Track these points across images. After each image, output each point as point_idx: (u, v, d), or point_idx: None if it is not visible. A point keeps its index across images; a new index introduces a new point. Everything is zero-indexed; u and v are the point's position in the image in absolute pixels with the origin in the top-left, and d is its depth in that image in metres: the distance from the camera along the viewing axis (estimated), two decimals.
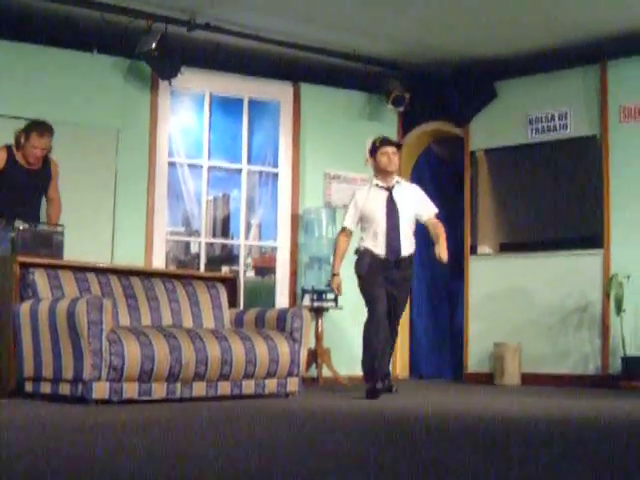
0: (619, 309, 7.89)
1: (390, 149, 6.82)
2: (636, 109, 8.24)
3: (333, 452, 3.43)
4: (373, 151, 6.89)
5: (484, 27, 8.09)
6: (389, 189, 6.84)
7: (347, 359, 8.66)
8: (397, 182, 6.92)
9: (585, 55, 8.46)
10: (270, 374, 6.23)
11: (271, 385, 6.28)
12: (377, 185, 6.87)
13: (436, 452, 3.47)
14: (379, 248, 6.73)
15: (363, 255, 6.78)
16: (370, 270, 6.71)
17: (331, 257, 8.63)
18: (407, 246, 6.82)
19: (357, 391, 6.89)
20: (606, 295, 8.10)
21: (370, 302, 6.74)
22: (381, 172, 6.85)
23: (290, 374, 6.35)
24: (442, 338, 9.84)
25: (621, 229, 8.22)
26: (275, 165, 9.01)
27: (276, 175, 9.00)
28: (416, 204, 6.95)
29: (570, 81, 8.71)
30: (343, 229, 6.99)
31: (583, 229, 8.57)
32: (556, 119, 8.72)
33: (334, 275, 6.96)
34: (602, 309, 8.22)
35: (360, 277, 6.79)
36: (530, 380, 8.37)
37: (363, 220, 6.87)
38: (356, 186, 9.21)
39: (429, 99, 9.34)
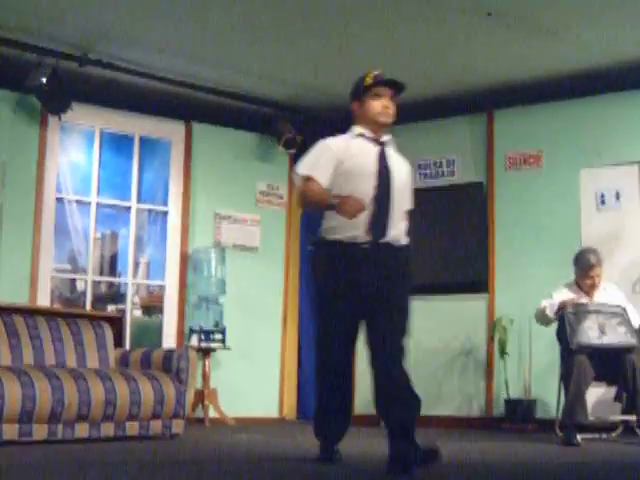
0: (503, 352, 8.06)
1: (387, 92, 4.64)
2: (520, 158, 8.49)
3: None
4: (359, 92, 4.70)
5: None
6: (381, 143, 4.67)
7: (234, 400, 8.63)
8: (389, 141, 4.76)
9: (473, 104, 8.70)
10: (155, 415, 6.14)
11: (156, 426, 6.19)
12: (363, 135, 4.68)
13: None
14: (358, 228, 4.40)
15: (327, 250, 4.54)
16: (336, 279, 4.46)
17: (220, 297, 8.64)
18: (401, 230, 4.60)
19: (243, 432, 6.85)
20: (490, 338, 8.27)
21: (325, 336, 4.60)
22: (369, 123, 4.66)
23: (175, 415, 6.27)
24: None
25: (505, 274, 8.42)
26: (165, 204, 8.94)
27: (166, 214, 8.93)
28: (406, 184, 4.75)
29: (458, 129, 8.93)
30: (305, 178, 4.62)
31: (469, 274, 8.74)
32: (444, 165, 8.92)
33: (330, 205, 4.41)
34: (487, 352, 8.39)
35: (318, 287, 4.64)
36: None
37: (337, 184, 4.53)
38: (247, 226, 9.25)
39: None
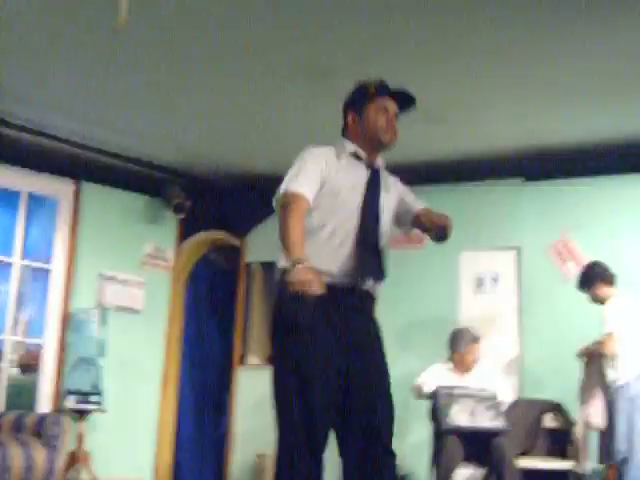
0: None
1: (393, 106, 3.85)
2: (404, 237, 8.67)
3: None
4: (359, 101, 3.88)
5: (265, 143, 8.36)
6: (374, 167, 3.88)
7: (108, 463, 8.54)
8: (382, 164, 3.97)
9: None
10: None
11: None
12: (355, 155, 3.85)
13: None
14: (340, 266, 3.63)
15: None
16: (318, 320, 3.49)
17: (99, 358, 8.56)
18: (383, 268, 3.82)
19: None
20: None
21: (304, 392, 3.50)
22: (366, 140, 3.84)
23: None
24: (207, 446, 9.82)
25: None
26: (49, 261, 8.84)
27: (49, 272, 8.82)
28: (401, 195, 4.08)
29: None
30: (293, 195, 3.67)
31: None
32: None
33: (296, 264, 3.36)
34: None
35: (293, 331, 3.48)
36: None
37: (319, 206, 3.70)
38: (131, 287, 9.21)
39: (210, 208, 9.51)
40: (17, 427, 6.42)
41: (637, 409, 6.44)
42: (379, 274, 3.71)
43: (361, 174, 3.78)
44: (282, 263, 3.53)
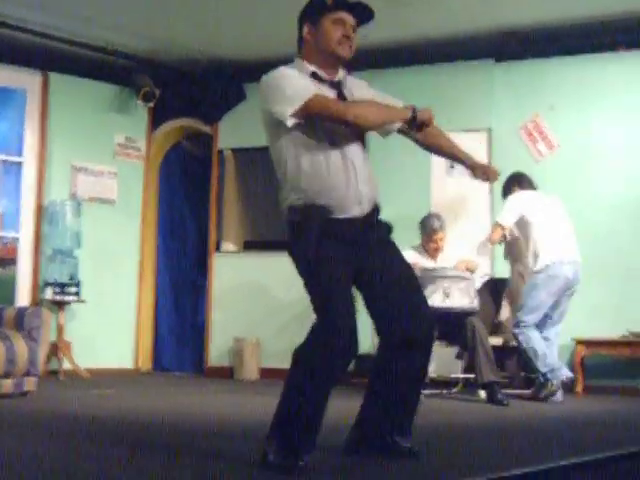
0: None
1: (350, 19, 3.66)
2: None
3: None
4: (314, 13, 3.69)
5: (234, 29, 8.28)
6: (336, 85, 3.71)
7: (89, 352, 8.69)
8: (344, 77, 3.77)
9: None
10: (7, 374, 6.12)
11: (6, 385, 6.17)
12: (315, 75, 3.66)
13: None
14: (341, 197, 3.59)
15: (307, 217, 3.55)
16: (327, 248, 3.52)
17: (75, 250, 8.61)
18: (375, 187, 3.78)
19: (98, 385, 6.93)
20: None
21: (327, 308, 3.52)
22: (323, 55, 3.66)
23: (27, 374, 6.26)
24: (185, 331, 9.98)
25: None
26: (20, 154, 8.79)
27: (20, 165, 8.79)
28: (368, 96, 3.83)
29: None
30: (312, 99, 3.52)
31: None
32: None
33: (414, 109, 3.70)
34: None
35: (307, 261, 3.55)
36: (269, 374, 8.65)
37: (301, 133, 3.57)
38: (104, 178, 9.19)
39: (179, 96, 9.42)
40: None
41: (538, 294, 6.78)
42: (372, 200, 3.71)
43: (328, 93, 3.62)
44: (291, 200, 3.60)
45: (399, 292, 3.65)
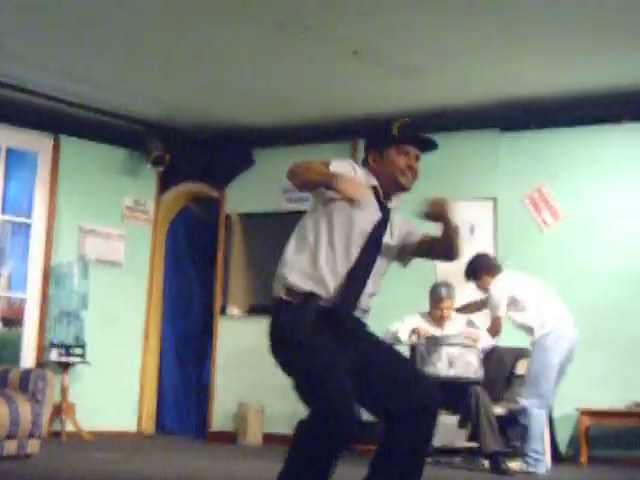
0: None
1: (415, 150, 3.75)
2: None
3: None
4: (381, 142, 3.77)
5: (244, 96, 8.40)
6: (386, 211, 3.73)
7: (92, 414, 8.67)
8: (396, 206, 3.83)
9: (338, 132, 8.95)
10: (10, 436, 6.13)
11: (10, 447, 6.17)
12: (375, 189, 3.73)
13: None
14: (330, 289, 3.55)
15: (303, 301, 3.53)
16: (317, 330, 3.50)
17: (81, 311, 8.64)
18: (368, 301, 3.73)
19: (101, 447, 6.90)
20: None
21: (326, 391, 3.38)
22: (385, 180, 3.73)
23: (31, 435, 6.26)
24: (189, 395, 9.96)
25: None
26: (29, 216, 8.88)
27: (29, 226, 8.86)
28: (407, 232, 3.85)
29: (324, 155, 9.11)
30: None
31: None
32: None
33: (336, 177, 3.47)
34: None
35: (298, 345, 3.48)
36: (272, 440, 8.60)
37: (331, 221, 3.63)
38: (112, 240, 9.26)
39: (188, 161, 9.52)
40: (1, 382, 6.48)
41: (550, 356, 6.67)
42: (349, 311, 3.63)
43: (374, 210, 3.68)
44: (281, 280, 3.59)
45: (395, 369, 3.62)
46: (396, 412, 3.57)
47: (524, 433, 6.58)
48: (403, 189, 3.74)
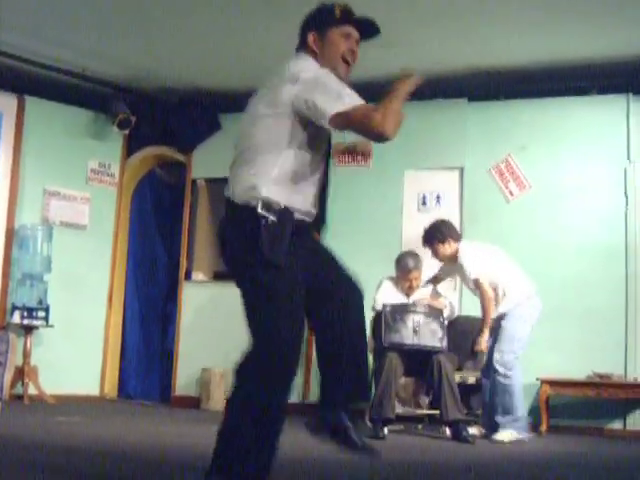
0: None
1: (355, 33, 3.66)
2: (350, 155, 8.75)
3: None
4: (321, 22, 3.63)
5: (211, 60, 8.35)
6: None
7: (55, 377, 8.64)
8: None
9: None
10: None
11: None
12: None
13: None
14: (308, 200, 3.53)
15: (281, 219, 3.39)
16: (291, 259, 3.39)
17: (45, 274, 8.58)
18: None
19: (63, 411, 6.88)
20: None
21: (278, 335, 3.36)
22: (330, 65, 3.57)
23: None
24: (152, 360, 9.96)
25: None
26: None
27: None
28: None
29: None
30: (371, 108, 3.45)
31: None
32: None
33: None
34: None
35: (269, 269, 3.35)
36: None
37: (299, 128, 3.44)
38: (76, 203, 9.19)
39: (155, 124, 9.46)
40: None
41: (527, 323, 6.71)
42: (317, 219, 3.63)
43: None
44: (251, 187, 3.39)
45: (328, 271, 3.56)
46: (325, 317, 3.52)
47: (506, 399, 6.60)
48: (346, 73, 3.60)
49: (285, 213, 3.38)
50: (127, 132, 9.24)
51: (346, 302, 3.53)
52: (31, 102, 8.94)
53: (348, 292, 3.56)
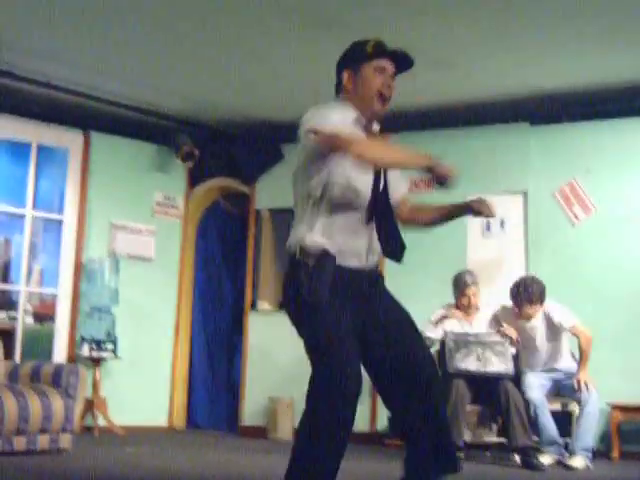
0: None
1: (391, 67, 3.64)
2: (412, 180, 8.74)
3: None
4: (355, 60, 3.66)
5: (273, 91, 8.40)
6: (374, 136, 3.65)
7: (124, 409, 8.74)
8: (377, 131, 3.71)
9: None
10: (43, 430, 6.19)
11: (43, 441, 6.23)
12: (358, 120, 3.61)
13: None
14: (355, 250, 3.54)
15: (320, 262, 3.45)
16: (335, 296, 3.44)
17: (112, 307, 8.69)
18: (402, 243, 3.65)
19: (132, 442, 6.93)
20: None
21: (333, 352, 3.38)
22: (362, 102, 3.60)
23: (64, 430, 6.32)
24: (219, 390, 10.00)
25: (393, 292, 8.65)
26: (61, 212, 8.94)
27: (61, 222, 8.92)
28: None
29: None
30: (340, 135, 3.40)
31: None
32: None
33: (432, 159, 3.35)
34: None
35: (312, 307, 3.42)
36: None
37: (323, 172, 3.50)
38: (142, 236, 9.30)
39: (218, 156, 9.56)
40: (35, 377, 6.54)
41: None
42: (401, 251, 3.61)
43: None
44: (298, 239, 3.50)
45: (400, 338, 3.57)
46: (399, 396, 3.56)
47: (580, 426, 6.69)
48: (383, 110, 3.62)
49: (324, 257, 3.44)
50: (191, 165, 9.36)
51: (429, 384, 3.52)
52: (96, 137, 9.10)
53: (430, 375, 3.55)
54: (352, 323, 3.47)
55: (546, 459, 6.59)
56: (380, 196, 3.56)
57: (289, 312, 3.58)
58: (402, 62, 3.68)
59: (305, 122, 3.54)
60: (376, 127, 3.69)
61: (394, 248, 3.59)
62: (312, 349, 3.47)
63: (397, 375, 3.54)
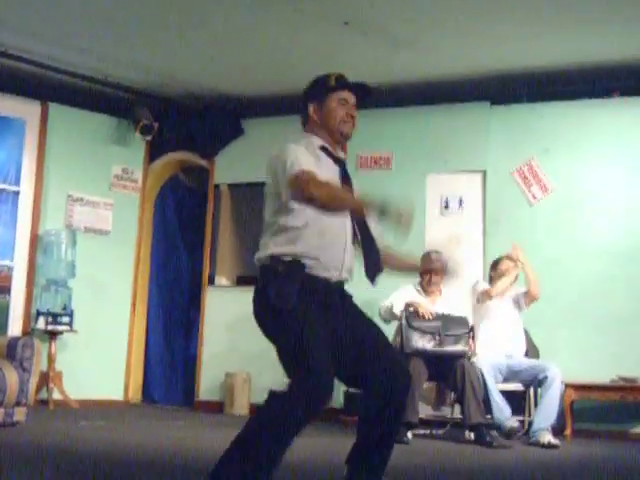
0: None
1: (352, 98, 3.83)
2: (371, 158, 8.75)
3: None
4: (319, 93, 3.82)
5: (234, 66, 8.37)
6: (341, 163, 3.83)
7: (79, 382, 8.68)
8: (344, 157, 3.88)
9: None
10: None
11: None
12: (324, 149, 3.77)
13: None
14: (329, 263, 3.62)
15: (290, 273, 3.56)
16: (305, 302, 3.53)
17: (69, 280, 8.63)
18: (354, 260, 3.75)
19: (88, 416, 6.91)
20: None
21: (308, 363, 3.42)
22: (329, 132, 3.79)
23: (18, 403, 6.26)
24: (176, 365, 9.98)
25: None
26: (17, 183, 8.83)
27: (17, 194, 8.82)
28: None
29: None
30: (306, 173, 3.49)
31: None
32: None
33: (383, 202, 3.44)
34: None
35: (283, 312, 3.50)
36: None
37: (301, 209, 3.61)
38: (100, 209, 9.22)
39: (177, 130, 9.49)
40: None
41: None
42: (378, 273, 3.74)
43: (333, 169, 3.77)
44: (270, 250, 3.62)
45: (373, 350, 3.65)
46: (371, 392, 3.65)
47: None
48: (346, 137, 3.81)
49: (293, 264, 3.57)
50: (150, 138, 9.28)
51: (395, 385, 3.61)
52: (54, 109, 9.00)
53: (398, 373, 3.64)
54: (324, 331, 3.54)
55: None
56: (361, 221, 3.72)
57: (260, 322, 3.61)
58: (362, 93, 3.88)
59: (276, 162, 3.64)
60: (342, 154, 3.85)
61: (375, 269, 3.71)
62: (286, 360, 3.52)
63: (367, 385, 3.65)
